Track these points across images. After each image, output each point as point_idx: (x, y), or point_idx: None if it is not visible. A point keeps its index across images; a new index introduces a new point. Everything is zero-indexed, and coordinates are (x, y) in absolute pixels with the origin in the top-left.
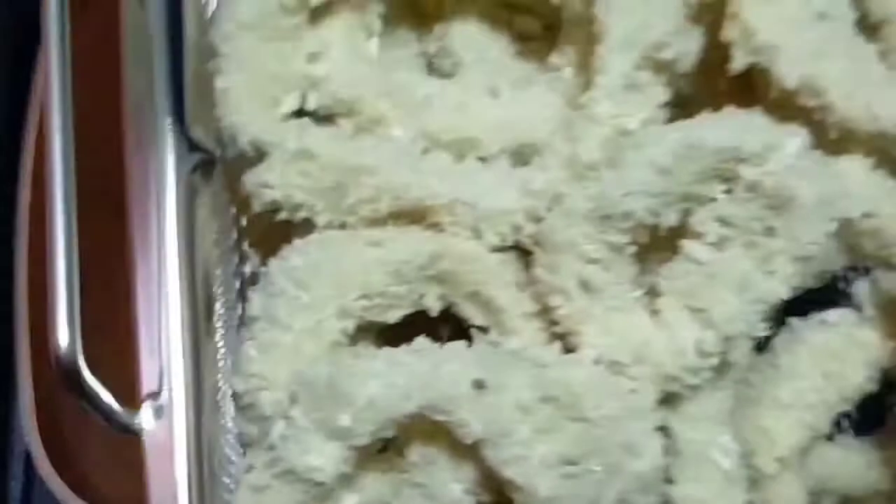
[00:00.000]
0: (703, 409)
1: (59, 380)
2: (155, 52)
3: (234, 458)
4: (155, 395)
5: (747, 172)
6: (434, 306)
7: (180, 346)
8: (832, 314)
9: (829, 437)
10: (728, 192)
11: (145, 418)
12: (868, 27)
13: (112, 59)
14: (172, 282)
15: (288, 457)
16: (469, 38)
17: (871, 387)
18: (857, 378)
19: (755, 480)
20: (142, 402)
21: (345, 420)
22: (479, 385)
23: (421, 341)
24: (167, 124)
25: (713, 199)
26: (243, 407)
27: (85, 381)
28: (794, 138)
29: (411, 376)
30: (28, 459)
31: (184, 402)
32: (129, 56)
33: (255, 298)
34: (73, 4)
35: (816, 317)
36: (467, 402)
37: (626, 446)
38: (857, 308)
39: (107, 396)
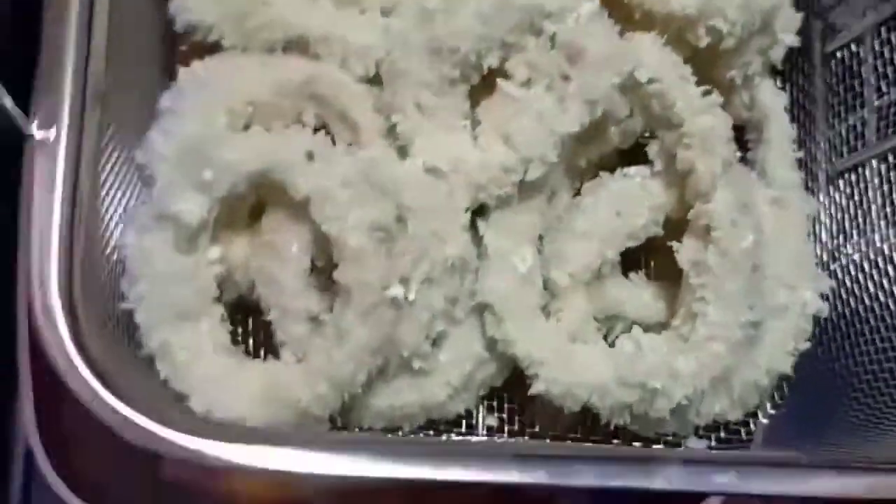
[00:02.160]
0: (509, 225)
1: None
2: None
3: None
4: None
5: (548, 27)
6: (310, 122)
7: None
8: (632, 169)
9: (625, 275)
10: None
11: (38, 130)
12: None
13: None
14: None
15: (165, 201)
16: None
17: (657, 230)
18: (643, 219)
19: (554, 294)
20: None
21: (207, 173)
22: (310, 156)
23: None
24: None
25: (524, 49)
26: (142, 177)
27: None
28: (588, 3)
29: (260, 145)
30: (28, 459)
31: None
32: None
33: (165, 95)
34: None
35: (620, 171)
36: (298, 167)
37: (437, 234)
38: (651, 165)
39: (6, 103)
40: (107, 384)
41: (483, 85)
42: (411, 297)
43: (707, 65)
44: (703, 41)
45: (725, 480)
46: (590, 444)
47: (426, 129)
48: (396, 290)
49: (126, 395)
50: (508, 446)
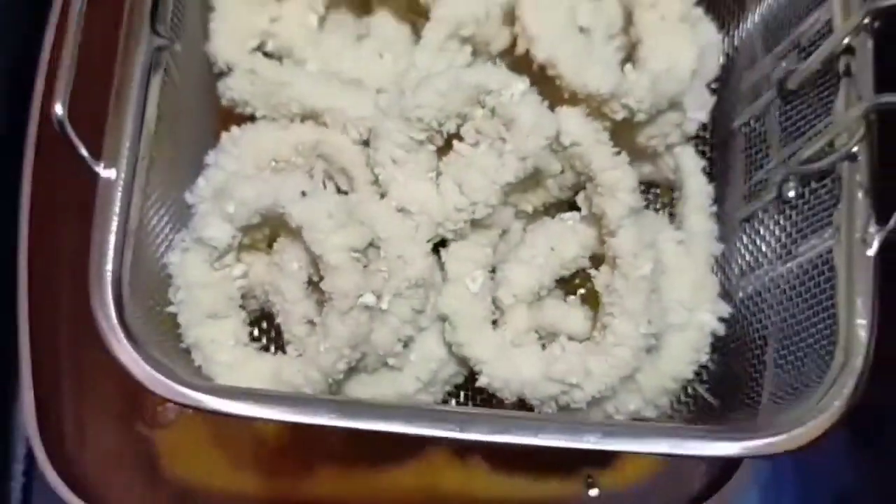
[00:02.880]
0: (463, 254)
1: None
2: None
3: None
4: (112, 159)
5: (489, 101)
6: (319, 176)
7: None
8: (566, 214)
9: (564, 299)
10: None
11: (103, 169)
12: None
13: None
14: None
15: (200, 229)
16: (381, 24)
17: (585, 262)
18: (571, 253)
19: (501, 310)
20: (102, 157)
21: (230, 207)
22: (303, 194)
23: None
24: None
25: (473, 117)
26: (190, 214)
27: (68, 132)
28: (520, 83)
29: (267, 185)
30: (28, 460)
31: (132, 170)
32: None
33: (210, 153)
34: None
35: (558, 216)
36: (294, 202)
37: (403, 258)
38: (580, 210)
39: (82, 149)
40: (141, 350)
41: (446, 146)
42: (384, 307)
43: (628, 135)
44: (619, 115)
45: (593, 439)
46: (497, 410)
47: (400, 178)
48: (368, 299)
49: (149, 356)
50: (430, 410)
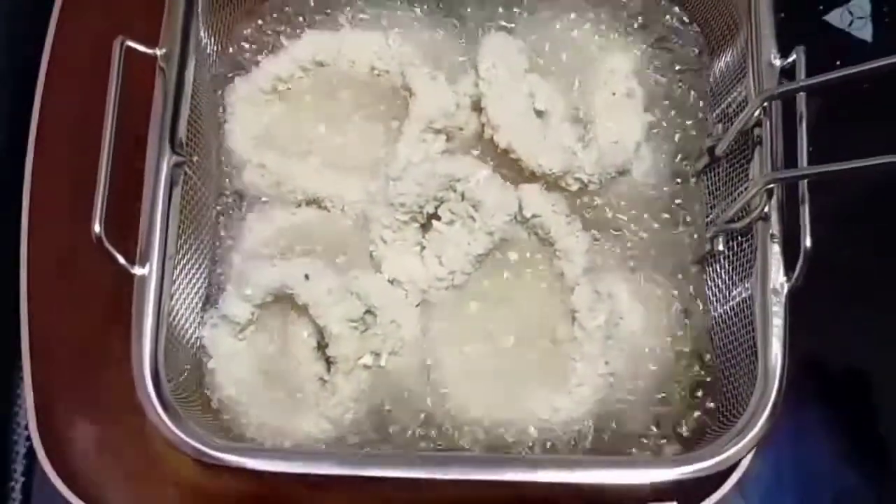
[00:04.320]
0: (445, 315)
1: (94, 247)
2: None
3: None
4: (144, 261)
5: (459, 187)
6: (321, 251)
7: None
8: None
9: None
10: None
11: (137, 269)
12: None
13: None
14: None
15: (224, 308)
16: None
17: None
18: None
19: None
20: (135, 262)
21: (248, 290)
22: (307, 276)
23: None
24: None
25: (448, 200)
26: (220, 290)
27: (106, 246)
28: (483, 170)
29: (276, 270)
30: (28, 459)
31: (162, 267)
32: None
33: (231, 238)
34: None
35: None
36: (300, 284)
37: (395, 322)
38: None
39: (118, 257)
40: (173, 418)
41: (428, 224)
42: (383, 364)
43: (588, 199)
44: (573, 187)
45: (544, 472)
46: (460, 453)
47: (389, 255)
48: (367, 359)
49: (180, 423)
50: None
